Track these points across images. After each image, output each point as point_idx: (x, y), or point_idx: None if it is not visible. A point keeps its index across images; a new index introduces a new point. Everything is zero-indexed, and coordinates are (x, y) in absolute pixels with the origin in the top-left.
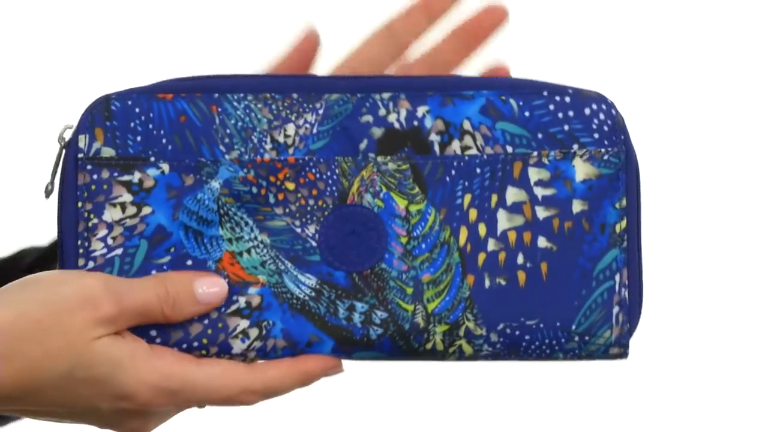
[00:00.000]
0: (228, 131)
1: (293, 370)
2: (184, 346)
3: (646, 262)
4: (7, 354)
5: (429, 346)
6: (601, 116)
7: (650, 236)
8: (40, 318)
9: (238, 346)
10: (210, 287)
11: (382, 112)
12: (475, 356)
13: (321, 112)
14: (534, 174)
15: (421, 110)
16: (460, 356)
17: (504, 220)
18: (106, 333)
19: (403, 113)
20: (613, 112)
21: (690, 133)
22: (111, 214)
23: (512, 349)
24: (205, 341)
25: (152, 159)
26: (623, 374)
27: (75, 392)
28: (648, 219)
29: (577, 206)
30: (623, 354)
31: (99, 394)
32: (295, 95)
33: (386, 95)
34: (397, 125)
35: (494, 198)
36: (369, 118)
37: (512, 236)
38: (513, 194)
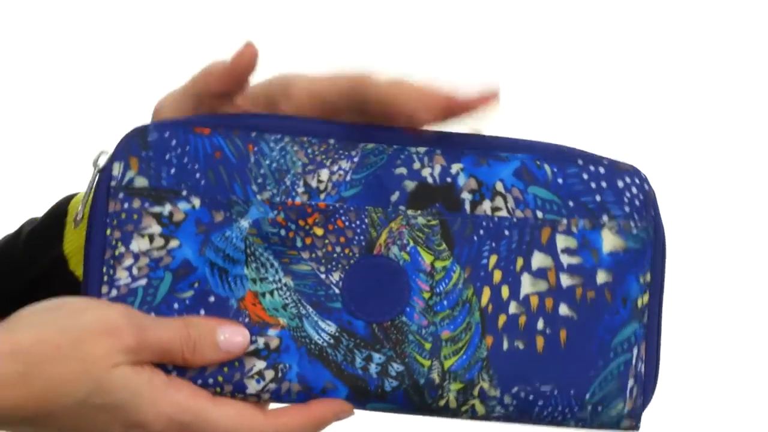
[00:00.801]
0: (262, 171)
1: (306, 418)
2: (199, 381)
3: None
4: (26, 376)
5: (442, 402)
6: (634, 190)
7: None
8: (59, 344)
9: (253, 386)
10: (233, 336)
11: (416, 165)
12: (486, 417)
13: (356, 160)
14: (562, 241)
15: (456, 167)
16: (473, 415)
17: (528, 285)
18: (125, 361)
19: (438, 169)
20: (646, 187)
21: (711, 208)
22: (138, 245)
23: (524, 412)
24: (220, 379)
25: (184, 193)
26: None
27: (90, 418)
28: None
29: (601, 277)
30: (635, 427)
31: (113, 421)
32: (332, 141)
33: (422, 149)
34: (430, 180)
35: (520, 261)
36: (403, 170)
37: (534, 301)
38: (539, 259)
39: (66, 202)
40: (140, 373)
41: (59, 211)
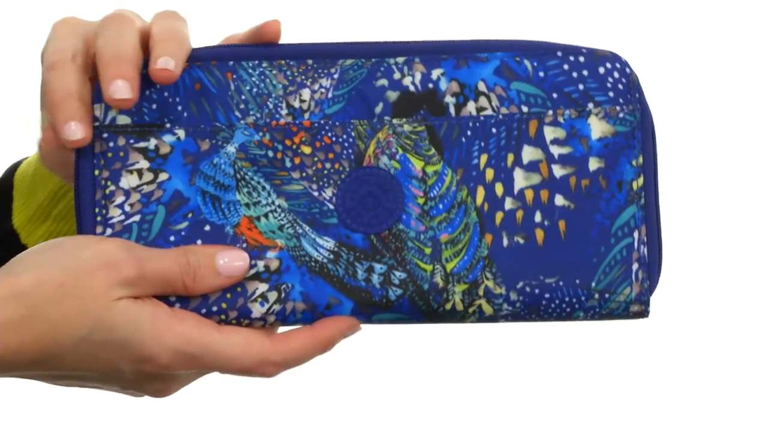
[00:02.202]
0: (243, 97)
1: (313, 340)
2: (203, 311)
3: (666, 222)
4: (28, 318)
5: (448, 306)
6: (616, 75)
7: (668, 196)
8: (61, 281)
9: (257, 309)
10: (232, 260)
11: (396, 75)
12: (495, 316)
13: (336, 77)
14: (550, 133)
15: (436, 73)
16: (480, 317)
17: (521, 179)
18: (126, 295)
19: (418, 76)
20: (627, 70)
21: (705, 94)
22: (128, 181)
23: (532, 308)
24: (224, 306)
25: (168, 125)
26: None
27: (95, 355)
28: (665, 178)
29: (593, 164)
30: (644, 312)
31: (119, 357)
32: (309, 61)
33: (401, 59)
34: (412, 88)
35: (510, 157)
36: (384, 81)
37: (529, 195)
38: (529, 153)
39: (11, 172)
40: (142, 307)
41: (5, 184)
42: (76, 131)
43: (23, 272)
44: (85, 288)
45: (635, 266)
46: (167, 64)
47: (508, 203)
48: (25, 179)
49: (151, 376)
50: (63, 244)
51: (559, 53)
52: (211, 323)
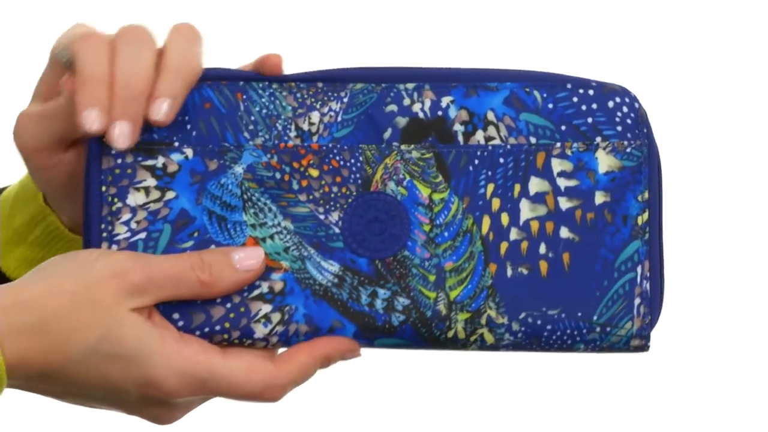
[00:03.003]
0: (253, 118)
1: (311, 357)
2: (206, 330)
3: (668, 258)
4: (38, 327)
5: (450, 334)
6: (624, 109)
7: (672, 231)
8: (72, 291)
9: (260, 330)
10: (247, 256)
11: (406, 101)
12: (496, 346)
13: (346, 100)
14: (557, 165)
15: (446, 100)
16: (482, 345)
17: (527, 210)
18: (135, 305)
19: (428, 103)
20: (636, 105)
21: (709, 127)
22: (135, 199)
23: (533, 339)
24: (227, 325)
25: (176, 144)
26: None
27: (102, 371)
28: (669, 213)
29: (599, 198)
30: (644, 346)
31: (126, 375)
32: (320, 84)
33: (410, 85)
34: (421, 115)
35: (517, 188)
36: (393, 107)
37: (535, 226)
38: (536, 184)
39: None
40: (151, 328)
41: None
42: (126, 132)
43: (36, 282)
44: (95, 298)
45: (637, 301)
46: (158, 113)
47: (514, 234)
48: (6, 203)
49: (155, 401)
50: (77, 256)
51: (569, 86)
52: (216, 348)
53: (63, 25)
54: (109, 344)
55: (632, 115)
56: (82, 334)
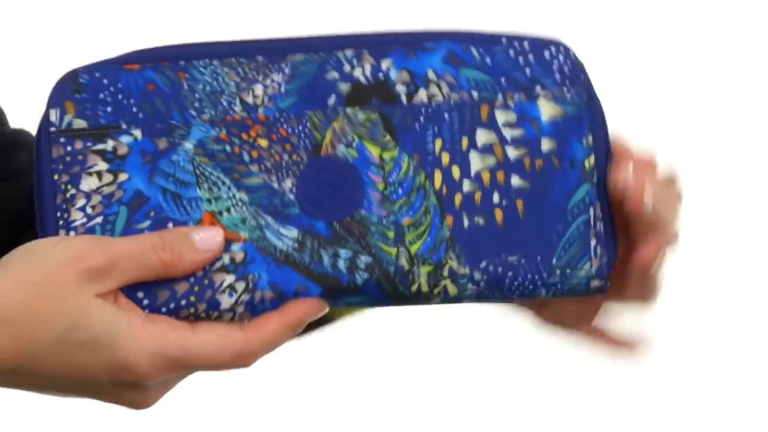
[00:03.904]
0: (197, 96)
1: (284, 325)
2: (172, 305)
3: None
4: (4, 321)
5: (414, 288)
6: (561, 58)
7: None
8: (35, 281)
9: (226, 300)
10: (207, 235)
11: (347, 68)
12: (459, 297)
13: (287, 72)
14: (501, 116)
15: (385, 63)
16: (445, 297)
17: (476, 161)
18: (99, 290)
19: (368, 68)
20: (572, 55)
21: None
22: (88, 184)
23: (496, 287)
24: (192, 299)
25: (124, 126)
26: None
27: (72, 360)
28: None
29: (545, 145)
30: (603, 287)
31: (96, 362)
32: (260, 58)
33: (349, 52)
34: (362, 79)
35: (465, 141)
36: (335, 74)
37: (486, 176)
38: (483, 136)
39: None
40: (118, 311)
41: None
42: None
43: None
44: (58, 285)
45: (593, 242)
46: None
47: (466, 185)
48: None
49: (129, 386)
50: (35, 247)
51: (504, 40)
52: (185, 324)
53: (63, 25)
54: (76, 332)
55: (569, 64)
56: (48, 324)
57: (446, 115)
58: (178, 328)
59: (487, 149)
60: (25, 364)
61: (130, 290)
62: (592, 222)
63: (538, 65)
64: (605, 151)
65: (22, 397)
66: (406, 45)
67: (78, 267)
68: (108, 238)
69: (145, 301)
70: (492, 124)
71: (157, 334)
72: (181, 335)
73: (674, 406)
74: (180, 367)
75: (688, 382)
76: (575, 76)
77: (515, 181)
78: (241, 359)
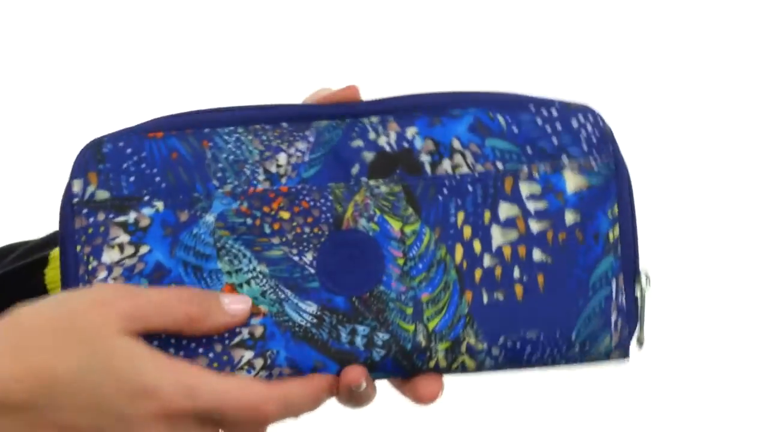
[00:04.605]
0: (220, 165)
1: (307, 389)
2: None
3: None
4: (20, 348)
5: (432, 363)
6: (589, 127)
7: (646, 241)
8: (54, 316)
9: (244, 377)
10: (234, 301)
11: (372, 135)
12: (478, 370)
13: (311, 139)
14: (525, 188)
15: (411, 132)
16: (464, 370)
17: (498, 236)
18: (124, 328)
19: (393, 136)
20: (600, 122)
21: (680, 138)
22: (110, 256)
23: (514, 360)
24: None
25: (146, 198)
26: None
27: (93, 388)
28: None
29: (569, 217)
30: (624, 356)
31: (119, 389)
32: (284, 125)
33: (375, 119)
34: (387, 148)
35: (487, 214)
36: (359, 142)
37: (507, 251)
38: (506, 209)
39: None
40: (141, 342)
41: (49, 242)
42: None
43: (21, 310)
44: (81, 322)
45: (614, 316)
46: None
47: (487, 260)
48: None
49: (150, 416)
50: (63, 293)
51: (532, 107)
52: (208, 369)
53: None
54: (99, 360)
55: (597, 132)
56: (70, 352)
57: (470, 187)
58: (202, 368)
59: (510, 223)
60: (41, 395)
61: None
62: (614, 295)
63: (565, 133)
64: (630, 218)
65: None
66: (431, 111)
67: (103, 310)
68: (136, 286)
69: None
70: (516, 197)
71: (182, 366)
72: (204, 372)
73: (674, 406)
74: (202, 401)
75: (688, 383)
76: (603, 144)
77: (537, 255)
78: (264, 406)
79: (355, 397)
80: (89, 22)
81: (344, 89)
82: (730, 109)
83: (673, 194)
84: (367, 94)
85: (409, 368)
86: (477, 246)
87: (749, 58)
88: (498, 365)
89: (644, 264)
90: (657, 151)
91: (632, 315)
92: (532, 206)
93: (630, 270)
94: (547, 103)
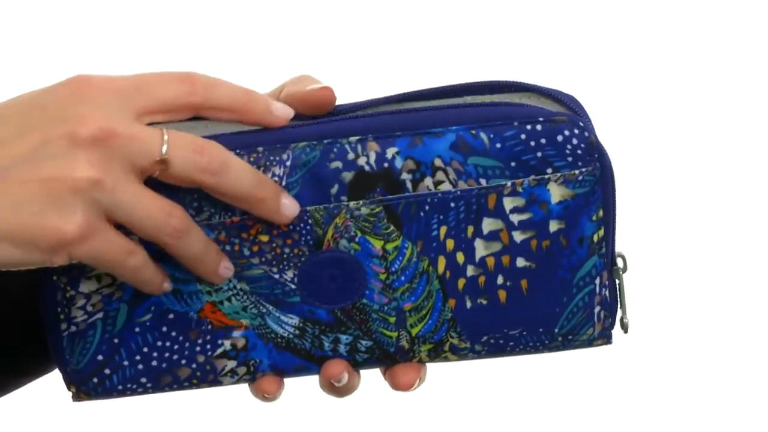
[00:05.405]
0: (196, 195)
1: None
2: (175, 386)
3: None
4: None
5: (415, 361)
6: (574, 141)
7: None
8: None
9: (228, 381)
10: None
11: (351, 156)
12: (460, 360)
13: (288, 163)
14: (509, 203)
15: (391, 152)
16: (446, 361)
17: (481, 248)
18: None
19: (373, 156)
20: (586, 133)
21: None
22: (87, 286)
23: (497, 352)
24: (195, 381)
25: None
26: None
27: (27, 110)
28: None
29: (554, 226)
30: (607, 342)
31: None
32: (260, 149)
33: (354, 139)
34: (367, 168)
35: (470, 229)
36: (338, 163)
37: (491, 261)
38: (489, 224)
39: None
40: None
41: None
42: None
43: None
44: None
45: (597, 309)
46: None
47: (470, 270)
48: None
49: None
50: None
51: (516, 123)
52: None
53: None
54: (42, 95)
55: (582, 145)
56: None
57: (452, 204)
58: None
59: (493, 236)
60: None
61: (134, 375)
62: (597, 290)
63: (549, 148)
64: (613, 216)
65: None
66: (412, 131)
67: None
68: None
69: (149, 385)
70: (499, 212)
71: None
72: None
73: (674, 405)
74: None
75: (688, 383)
76: (588, 155)
77: (521, 262)
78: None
79: (337, 390)
80: (89, 22)
81: (320, 90)
82: (719, 104)
83: (660, 188)
84: (360, 90)
85: (392, 363)
86: (460, 257)
87: (740, 57)
88: (480, 357)
89: (619, 248)
90: (647, 145)
91: (614, 303)
92: (515, 218)
93: (611, 264)
94: (532, 118)
